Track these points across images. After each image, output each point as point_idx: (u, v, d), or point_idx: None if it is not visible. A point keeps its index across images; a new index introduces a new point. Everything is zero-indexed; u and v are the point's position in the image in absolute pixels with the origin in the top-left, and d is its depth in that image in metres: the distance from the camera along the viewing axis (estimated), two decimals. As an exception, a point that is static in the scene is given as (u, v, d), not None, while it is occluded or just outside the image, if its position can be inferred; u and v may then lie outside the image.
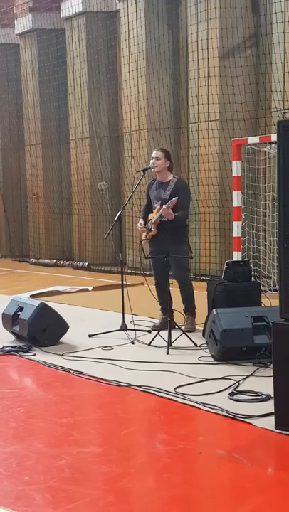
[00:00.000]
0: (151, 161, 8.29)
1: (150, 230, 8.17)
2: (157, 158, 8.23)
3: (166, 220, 7.98)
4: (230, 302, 7.53)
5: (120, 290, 8.27)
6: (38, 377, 6.65)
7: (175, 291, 8.44)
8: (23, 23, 17.61)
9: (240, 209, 10.82)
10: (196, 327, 8.18)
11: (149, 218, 8.24)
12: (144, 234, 8.27)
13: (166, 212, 7.88)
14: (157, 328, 7.91)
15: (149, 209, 8.35)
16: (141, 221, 8.32)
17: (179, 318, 8.10)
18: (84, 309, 10.16)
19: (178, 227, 8.06)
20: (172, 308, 8.16)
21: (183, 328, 8.01)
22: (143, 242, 8.36)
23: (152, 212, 8.24)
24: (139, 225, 8.32)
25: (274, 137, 9.56)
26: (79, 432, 5.04)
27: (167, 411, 5.50)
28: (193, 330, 8.05)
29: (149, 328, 8.25)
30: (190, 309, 8.27)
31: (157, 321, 8.39)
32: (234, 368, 6.47)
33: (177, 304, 8.32)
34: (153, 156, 8.31)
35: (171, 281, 8.04)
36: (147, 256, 8.41)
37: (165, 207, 7.88)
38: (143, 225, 8.25)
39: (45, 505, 3.83)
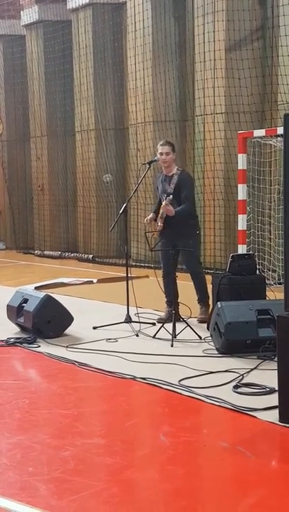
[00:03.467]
0: (159, 156, 8.25)
1: (158, 225, 8.20)
2: (167, 154, 8.21)
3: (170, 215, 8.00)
4: (234, 295, 7.53)
5: (125, 282, 8.27)
6: (43, 368, 6.66)
7: (181, 284, 8.46)
8: (29, 15, 17.59)
9: (245, 202, 10.79)
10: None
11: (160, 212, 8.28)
12: (154, 227, 8.30)
13: (166, 209, 7.91)
14: (163, 321, 7.92)
15: (160, 202, 8.39)
16: (150, 215, 8.34)
17: (185, 310, 8.10)
18: (88, 301, 10.17)
19: (184, 221, 8.06)
20: (178, 301, 8.19)
21: (196, 318, 8.09)
22: (150, 235, 8.35)
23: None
24: (145, 220, 8.37)
25: (280, 130, 9.53)
26: (83, 424, 5.05)
27: (171, 403, 5.51)
28: (205, 321, 8.02)
29: (153, 321, 8.25)
30: (203, 300, 8.29)
31: (162, 314, 8.41)
32: (238, 361, 6.47)
33: (184, 296, 8.33)
34: (161, 151, 8.24)
35: (177, 274, 8.07)
36: (152, 248, 8.41)
37: (164, 204, 7.89)
38: (149, 220, 8.27)
39: (49, 496, 3.85)
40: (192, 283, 8.46)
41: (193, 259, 8.39)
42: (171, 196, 7.91)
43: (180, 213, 8.01)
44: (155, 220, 8.26)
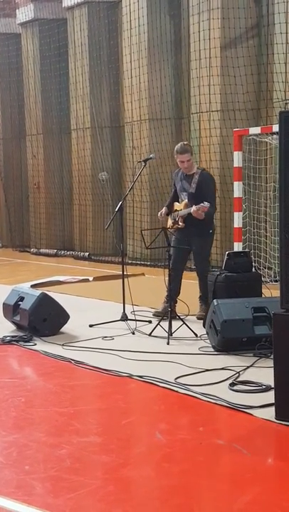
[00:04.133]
0: (180, 165, 8.26)
1: (176, 222, 8.21)
2: (188, 161, 8.21)
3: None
4: (231, 293, 7.53)
5: (121, 280, 8.27)
6: (39, 367, 6.66)
7: (183, 282, 8.47)
8: (25, 13, 17.58)
9: (241, 200, 10.81)
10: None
11: (176, 208, 8.30)
12: (169, 223, 8.32)
13: (197, 214, 7.90)
14: (159, 315, 7.94)
15: (175, 197, 8.40)
16: (163, 210, 8.39)
17: (183, 308, 8.09)
18: (85, 299, 10.17)
19: (201, 220, 8.08)
20: (177, 298, 8.22)
21: (195, 315, 8.11)
22: (170, 231, 8.36)
23: (178, 202, 8.29)
24: (159, 214, 8.41)
25: (275, 128, 9.54)
26: (79, 422, 5.05)
27: (168, 401, 5.51)
28: (204, 318, 8.00)
29: (149, 319, 8.25)
30: (205, 298, 8.30)
31: (159, 308, 8.40)
32: (234, 359, 6.47)
33: (184, 293, 8.33)
34: (182, 160, 8.19)
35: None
36: (148, 246, 8.42)
37: (195, 209, 7.87)
38: (163, 215, 8.31)
39: (46, 495, 3.84)
40: (196, 281, 8.46)
41: (202, 258, 8.41)
42: (208, 205, 7.86)
43: (207, 216, 8.03)
44: (167, 215, 8.29)
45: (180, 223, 8.21)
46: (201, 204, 7.88)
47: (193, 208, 7.93)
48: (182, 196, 8.29)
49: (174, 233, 8.35)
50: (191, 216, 8.06)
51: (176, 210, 8.35)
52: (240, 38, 12.47)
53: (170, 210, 8.45)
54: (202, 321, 7.68)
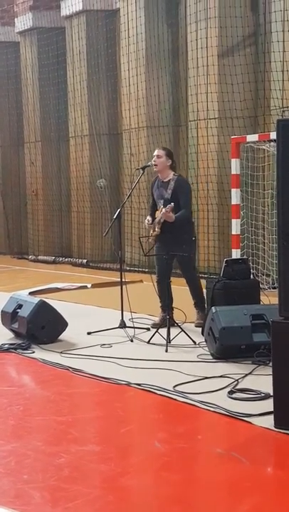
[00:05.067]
0: (153, 159, 8.28)
1: (154, 230, 8.19)
2: (158, 156, 8.21)
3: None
4: (229, 300, 7.53)
5: (119, 287, 8.27)
6: (37, 374, 6.65)
7: (177, 288, 8.46)
8: (24, 22, 17.61)
9: (239, 207, 10.82)
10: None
11: (155, 216, 8.28)
12: (151, 231, 8.31)
13: (166, 216, 7.89)
14: (157, 327, 7.91)
15: (154, 206, 8.39)
16: (148, 217, 8.37)
17: (179, 315, 8.09)
18: (83, 307, 10.16)
19: (181, 226, 8.06)
20: (172, 305, 8.19)
21: (193, 322, 8.10)
22: (145, 239, 8.38)
23: (158, 210, 8.28)
24: (146, 221, 8.38)
25: (273, 135, 9.56)
26: (78, 430, 5.04)
27: (166, 409, 5.51)
28: (203, 325, 7.99)
29: (148, 326, 8.24)
30: (200, 304, 8.29)
31: (156, 319, 8.39)
32: (233, 366, 6.47)
33: (179, 301, 8.33)
34: (154, 154, 8.29)
35: (171, 278, 8.09)
36: (146, 253, 8.42)
37: (164, 211, 7.88)
38: (150, 222, 8.29)
39: (44, 504, 3.84)
40: (187, 288, 8.46)
41: (188, 265, 8.39)
42: (172, 204, 7.87)
43: (179, 219, 8.00)
44: (151, 224, 8.29)
45: (156, 229, 8.17)
46: (168, 205, 7.90)
47: (163, 211, 7.94)
48: (160, 204, 8.26)
49: (153, 242, 8.32)
50: (167, 224, 8.04)
51: (156, 218, 8.30)
52: (237, 46, 12.51)
53: (154, 219, 8.41)
54: (200, 329, 7.68)
